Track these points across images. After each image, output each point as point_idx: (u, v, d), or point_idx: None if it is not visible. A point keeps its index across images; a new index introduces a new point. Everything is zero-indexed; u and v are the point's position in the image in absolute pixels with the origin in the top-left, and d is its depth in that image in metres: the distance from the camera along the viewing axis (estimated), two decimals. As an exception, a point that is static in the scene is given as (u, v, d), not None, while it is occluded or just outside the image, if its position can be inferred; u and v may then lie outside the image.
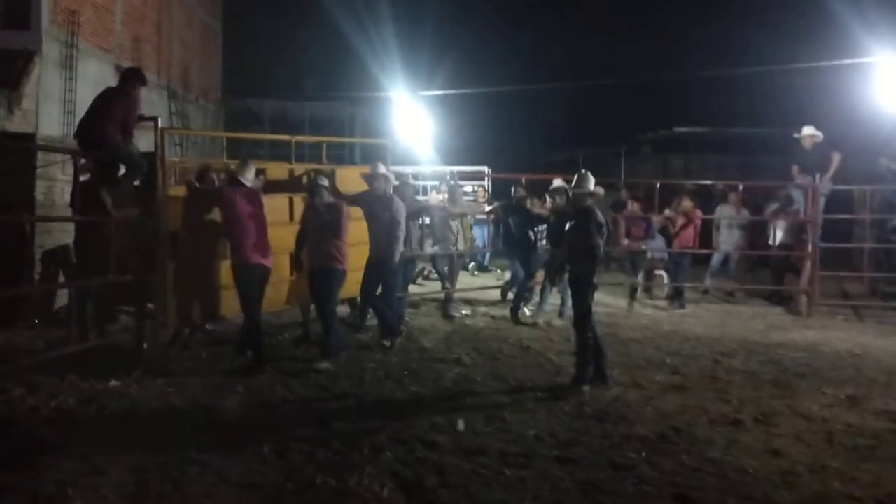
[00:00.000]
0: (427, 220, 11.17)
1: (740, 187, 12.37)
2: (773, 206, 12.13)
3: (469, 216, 12.00)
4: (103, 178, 6.79)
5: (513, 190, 10.38)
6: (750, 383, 6.78)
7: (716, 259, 12.66)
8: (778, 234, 12.00)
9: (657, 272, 12.12)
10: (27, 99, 12.12)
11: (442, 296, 10.43)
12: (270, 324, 8.35)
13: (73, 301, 6.27)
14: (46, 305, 8.39)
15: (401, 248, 7.88)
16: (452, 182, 11.83)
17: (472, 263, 14.69)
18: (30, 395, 5.66)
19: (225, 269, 6.86)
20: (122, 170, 6.94)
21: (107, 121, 6.64)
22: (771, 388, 6.62)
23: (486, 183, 15.23)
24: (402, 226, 7.89)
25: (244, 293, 6.72)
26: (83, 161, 6.94)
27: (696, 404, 6.03)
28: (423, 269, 12.87)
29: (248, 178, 6.91)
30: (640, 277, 11.51)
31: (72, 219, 6.43)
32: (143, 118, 7.25)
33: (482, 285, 11.78)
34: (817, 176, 10.88)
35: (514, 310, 9.67)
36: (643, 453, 4.86)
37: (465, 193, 13.83)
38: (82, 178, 6.98)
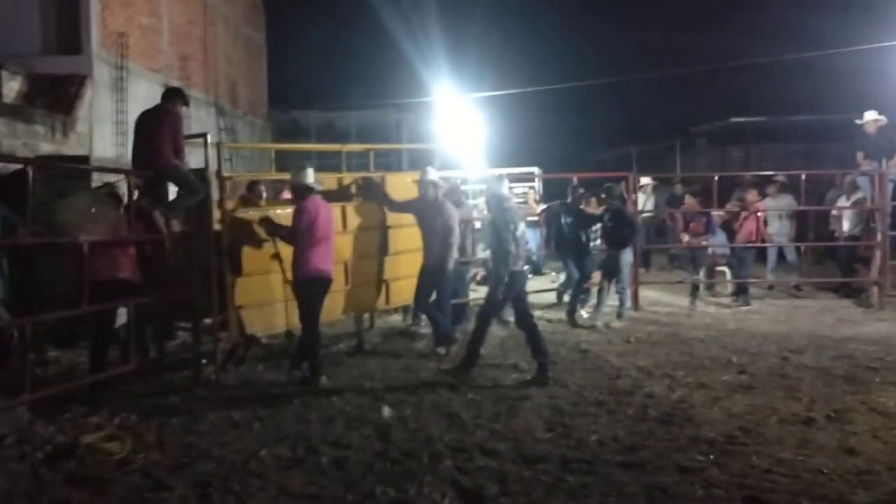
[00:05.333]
0: (478, 225, 11.17)
1: (803, 177, 12.06)
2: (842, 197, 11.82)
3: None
4: (155, 197, 6.94)
5: (570, 190, 10.30)
6: (821, 380, 6.61)
7: (771, 253, 12.40)
8: (845, 224, 11.68)
9: (719, 268, 11.90)
10: (81, 122, 12.57)
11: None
12: (325, 335, 8.44)
13: (131, 319, 6.45)
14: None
15: (454, 254, 7.91)
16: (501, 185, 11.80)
17: (526, 266, 14.61)
18: (93, 413, 5.84)
19: (283, 282, 6.97)
20: (175, 191, 7.09)
21: (161, 142, 6.77)
22: (843, 385, 6.44)
23: (536, 184, 15.16)
24: (456, 232, 7.92)
25: (308, 304, 6.78)
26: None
27: (765, 403, 5.90)
28: (476, 273, 12.87)
29: (310, 180, 6.86)
30: (702, 274, 11.31)
31: (126, 239, 6.61)
32: (192, 136, 7.39)
33: (537, 288, 11.71)
34: (883, 161, 10.57)
35: (571, 312, 9.59)
36: (711, 455, 4.77)
37: (515, 196, 13.80)
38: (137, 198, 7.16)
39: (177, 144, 6.90)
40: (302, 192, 6.82)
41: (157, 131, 6.80)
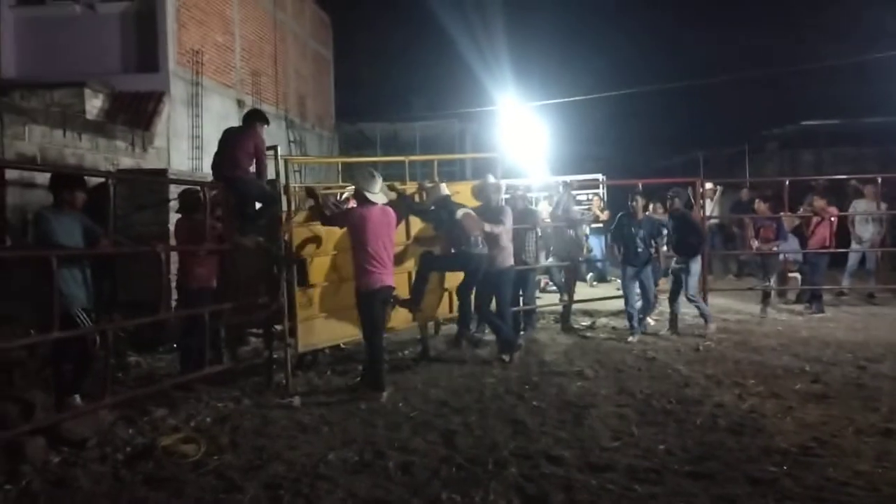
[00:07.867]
0: (541, 232, 11.08)
1: (879, 180, 11.58)
2: None
3: (584, 226, 11.87)
4: (241, 210, 7.12)
5: (629, 200, 9.95)
6: (900, 390, 6.32)
7: (853, 258, 11.91)
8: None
9: (791, 274, 11.53)
10: (159, 137, 12.99)
11: (560, 308, 10.31)
12: (390, 341, 8.50)
13: (207, 326, 6.62)
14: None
15: (510, 258, 7.88)
16: (564, 192, 11.69)
17: (591, 274, 14.47)
18: (170, 416, 6.00)
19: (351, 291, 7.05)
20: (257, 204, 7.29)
21: (240, 155, 6.99)
22: (925, 395, 6.15)
23: (601, 191, 14.96)
24: (510, 235, 7.90)
25: (365, 317, 6.68)
26: (213, 193, 7.28)
27: (841, 414, 5.68)
28: (540, 280, 12.78)
29: (376, 191, 6.72)
30: (773, 281, 10.97)
31: (203, 248, 6.81)
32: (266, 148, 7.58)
33: (601, 296, 11.55)
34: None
35: (639, 320, 9.40)
36: (784, 467, 4.61)
37: (579, 202, 13.66)
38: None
39: (260, 163, 7.11)
40: (360, 199, 6.78)
41: (239, 146, 7.03)
